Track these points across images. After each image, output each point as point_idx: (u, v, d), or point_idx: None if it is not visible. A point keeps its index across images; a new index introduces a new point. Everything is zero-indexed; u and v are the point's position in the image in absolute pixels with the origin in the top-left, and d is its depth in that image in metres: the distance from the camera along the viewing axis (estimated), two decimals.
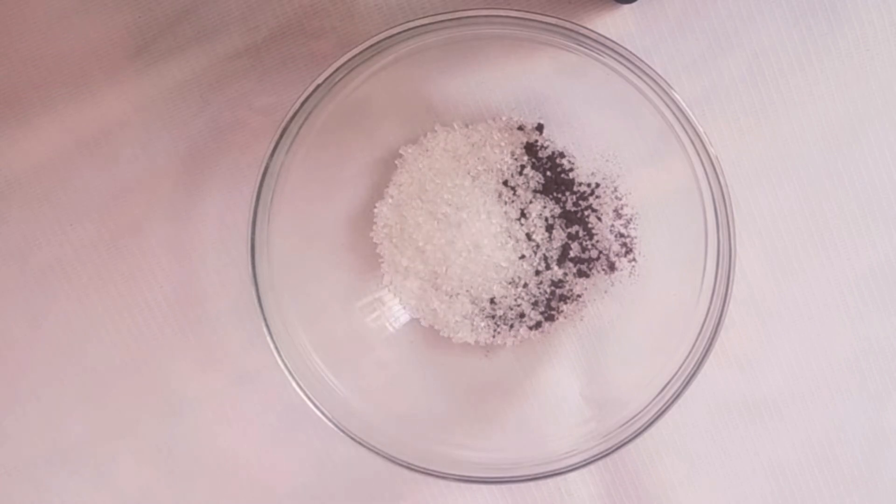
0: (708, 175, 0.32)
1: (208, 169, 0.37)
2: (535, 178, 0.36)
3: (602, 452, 0.33)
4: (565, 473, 0.33)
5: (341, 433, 0.33)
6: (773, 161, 0.37)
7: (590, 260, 0.36)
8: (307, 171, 0.34)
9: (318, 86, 0.32)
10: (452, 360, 0.37)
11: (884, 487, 0.38)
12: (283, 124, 0.32)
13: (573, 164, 0.36)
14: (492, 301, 0.36)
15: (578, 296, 0.36)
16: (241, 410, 0.38)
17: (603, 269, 0.36)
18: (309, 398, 0.33)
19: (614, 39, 0.31)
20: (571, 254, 0.36)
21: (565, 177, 0.36)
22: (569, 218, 0.36)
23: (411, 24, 0.31)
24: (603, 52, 0.31)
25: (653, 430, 0.32)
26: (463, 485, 0.33)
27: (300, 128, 0.32)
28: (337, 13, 0.36)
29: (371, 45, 0.31)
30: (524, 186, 0.36)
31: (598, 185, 0.36)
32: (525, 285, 0.36)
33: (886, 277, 0.37)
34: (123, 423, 0.38)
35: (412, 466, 0.33)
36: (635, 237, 0.36)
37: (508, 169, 0.36)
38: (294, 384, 0.33)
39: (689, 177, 0.32)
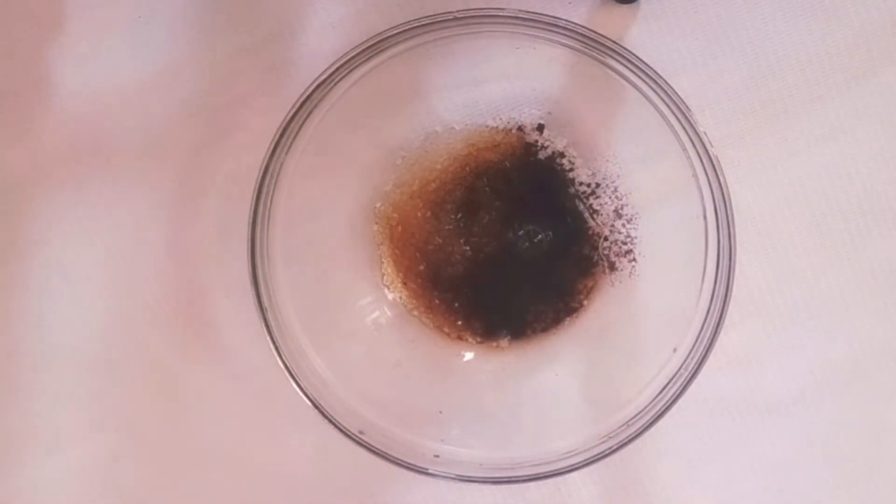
0: (708, 175, 0.32)
1: (208, 169, 0.37)
2: (536, 178, 0.36)
3: (602, 452, 0.33)
4: (565, 473, 0.33)
5: (341, 433, 0.33)
6: (773, 161, 0.37)
7: (590, 260, 0.36)
8: (307, 170, 0.34)
9: (319, 85, 0.32)
10: (453, 360, 0.37)
11: (884, 487, 0.38)
12: (283, 124, 0.32)
13: (573, 164, 0.36)
14: (492, 300, 0.36)
15: (579, 295, 0.37)
16: (241, 410, 0.38)
17: (603, 270, 0.36)
18: (309, 398, 0.33)
19: (614, 39, 0.31)
20: (571, 254, 0.36)
21: (565, 177, 0.36)
22: (569, 218, 0.36)
23: (411, 24, 0.31)
24: (603, 52, 0.31)
25: (653, 430, 0.32)
26: (463, 485, 0.33)
27: (300, 128, 0.32)
28: (336, 13, 0.36)
29: (371, 45, 0.31)
30: (525, 187, 0.36)
31: (598, 185, 0.36)
32: (525, 285, 0.36)
33: (886, 277, 0.37)
34: (123, 423, 0.38)
35: (412, 466, 0.33)
36: (635, 237, 0.36)
37: (509, 169, 0.36)
38: (294, 384, 0.33)
39: (689, 177, 0.32)
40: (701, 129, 0.31)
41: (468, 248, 0.36)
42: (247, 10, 0.36)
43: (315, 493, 0.38)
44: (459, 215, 0.36)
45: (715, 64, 0.36)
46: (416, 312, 0.37)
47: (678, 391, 0.32)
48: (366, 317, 0.37)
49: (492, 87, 0.36)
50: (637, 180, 0.36)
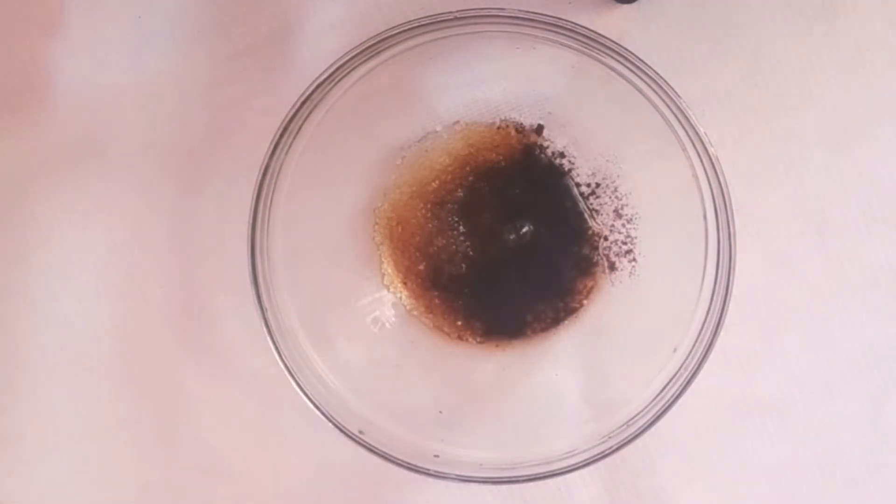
0: (708, 175, 0.32)
1: (208, 169, 0.37)
2: (536, 178, 0.36)
3: (602, 452, 0.33)
4: (565, 473, 0.33)
5: (341, 433, 0.33)
6: (773, 161, 0.37)
7: (590, 260, 0.36)
8: (307, 171, 0.34)
9: (318, 85, 0.32)
10: (453, 360, 0.37)
11: (884, 487, 0.38)
12: (283, 124, 0.32)
13: (573, 164, 0.36)
14: (492, 300, 0.36)
15: (578, 295, 0.37)
16: (241, 410, 0.38)
17: (603, 269, 0.36)
18: (309, 398, 0.33)
19: (614, 39, 0.31)
20: (571, 254, 0.36)
21: (565, 177, 0.36)
22: (569, 218, 0.36)
23: (411, 24, 0.31)
24: (603, 52, 0.31)
25: (653, 430, 0.32)
26: (463, 485, 0.33)
27: (300, 127, 0.32)
28: (336, 13, 0.36)
29: (371, 45, 0.31)
30: (525, 187, 0.36)
31: (598, 185, 0.36)
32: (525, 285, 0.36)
33: (886, 277, 0.37)
34: (123, 423, 0.38)
35: (412, 466, 0.33)
36: (635, 237, 0.36)
37: (509, 169, 0.36)
38: (294, 384, 0.33)
39: (689, 177, 0.32)
40: (701, 130, 0.31)
41: (468, 248, 0.36)
42: (247, 10, 0.36)
43: (315, 493, 0.38)
44: (459, 215, 0.36)
45: (715, 64, 0.36)
46: (416, 312, 0.37)
47: (678, 391, 0.32)
48: (366, 317, 0.37)
49: (492, 87, 0.36)
50: (637, 180, 0.36)
